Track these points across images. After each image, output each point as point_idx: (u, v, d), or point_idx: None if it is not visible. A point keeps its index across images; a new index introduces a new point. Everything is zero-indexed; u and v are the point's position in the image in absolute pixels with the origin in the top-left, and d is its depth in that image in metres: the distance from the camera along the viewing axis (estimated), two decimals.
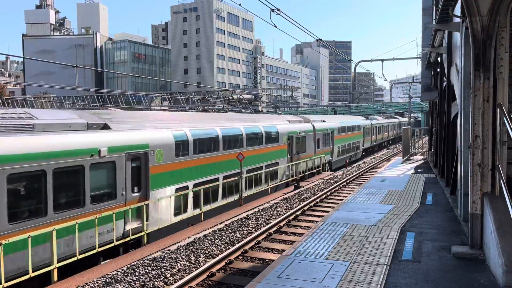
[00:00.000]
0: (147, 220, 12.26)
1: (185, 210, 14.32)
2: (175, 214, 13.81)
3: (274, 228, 12.96)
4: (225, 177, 16.83)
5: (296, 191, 19.79)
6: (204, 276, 9.19)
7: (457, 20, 10.66)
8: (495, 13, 6.99)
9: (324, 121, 30.76)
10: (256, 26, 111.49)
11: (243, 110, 33.50)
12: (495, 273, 6.40)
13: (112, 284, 8.74)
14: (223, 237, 12.19)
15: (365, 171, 26.75)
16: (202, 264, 10.01)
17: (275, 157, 21.78)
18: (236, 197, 17.36)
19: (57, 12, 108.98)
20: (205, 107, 52.07)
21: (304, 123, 26.99)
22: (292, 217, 14.45)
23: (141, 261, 10.05)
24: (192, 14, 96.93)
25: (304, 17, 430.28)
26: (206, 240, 11.79)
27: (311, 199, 17.07)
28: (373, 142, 47.60)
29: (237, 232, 12.70)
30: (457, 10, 10.40)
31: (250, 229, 13.16)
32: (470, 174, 7.34)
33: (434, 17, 16.18)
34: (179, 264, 9.91)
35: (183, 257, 10.41)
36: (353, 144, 38.03)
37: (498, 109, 7.03)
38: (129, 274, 9.24)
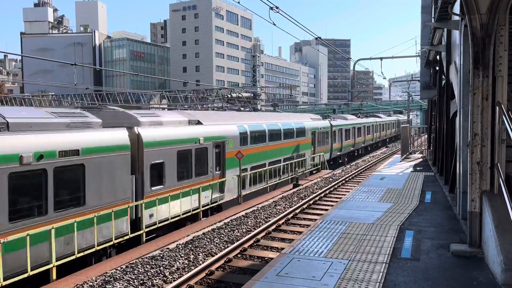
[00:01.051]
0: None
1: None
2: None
3: (273, 227, 12.96)
4: None
5: (295, 190, 19.79)
6: (203, 274, 9.19)
7: (456, 18, 10.65)
8: (494, 11, 6.98)
9: (199, 122, 16.13)
10: (255, 24, 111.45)
11: (242, 109, 33.43)
12: (493, 271, 6.41)
13: (110, 283, 8.73)
14: (222, 235, 12.19)
15: (364, 169, 26.77)
16: (201, 262, 10.01)
17: None
18: None
19: (55, 10, 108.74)
20: (204, 106, 52.06)
21: (97, 132, 11.22)
22: (291, 215, 14.45)
23: (140, 260, 10.04)
24: (191, 12, 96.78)
25: (303, 15, 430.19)
26: (205, 239, 11.78)
27: (310, 197, 17.07)
28: (338, 152, 33.30)
29: (236, 231, 12.70)
30: (456, 8, 10.40)
31: (249, 227, 13.16)
32: (469, 172, 7.34)
33: (433, 15, 16.16)
34: (178, 263, 9.90)
35: (182, 255, 10.40)
36: (290, 160, 23.35)
37: (497, 107, 7.02)
38: (128, 273, 9.24)
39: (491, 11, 6.97)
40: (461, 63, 9.54)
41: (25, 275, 8.62)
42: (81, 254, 10.08)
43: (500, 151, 7.16)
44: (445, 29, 14.14)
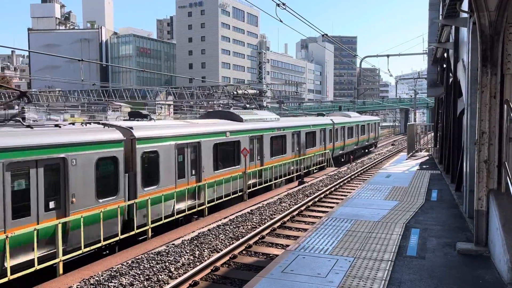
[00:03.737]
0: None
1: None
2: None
3: (278, 223, 12.97)
4: None
5: (300, 187, 19.79)
6: (208, 270, 9.22)
7: (465, 15, 10.57)
8: (503, 8, 6.92)
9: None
10: (261, 20, 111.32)
11: (247, 106, 33.40)
12: (500, 270, 6.38)
13: (116, 277, 8.79)
14: (227, 231, 12.22)
15: (369, 167, 26.70)
16: (206, 258, 10.04)
17: None
18: None
19: (62, 6, 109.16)
20: (210, 102, 52.10)
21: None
22: (296, 212, 14.46)
23: (146, 255, 10.10)
24: (197, 8, 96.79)
25: (309, 11, 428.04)
26: (210, 235, 11.82)
27: (315, 194, 17.07)
28: None
29: (241, 227, 12.72)
30: (465, 5, 10.31)
31: (254, 224, 13.18)
32: (476, 170, 7.30)
33: (441, 12, 16.07)
34: (183, 258, 9.94)
35: (187, 251, 10.44)
36: None
37: (505, 105, 6.98)
38: (133, 268, 9.29)
39: (500, 9, 6.91)
40: (469, 60, 9.47)
41: (32, 269, 8.70)
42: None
43: (507, 150, 7.13)
44: (453, 27, 14.03)
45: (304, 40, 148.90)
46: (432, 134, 31.23)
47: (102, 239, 10.35)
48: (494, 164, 7.17)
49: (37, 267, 8.79)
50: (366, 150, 41.06)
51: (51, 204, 9.54)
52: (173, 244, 10.99)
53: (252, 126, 18.30)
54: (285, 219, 13.49)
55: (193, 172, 14.53)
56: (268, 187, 19.55)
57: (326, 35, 17.22)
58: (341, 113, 39.12)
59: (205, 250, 10.58)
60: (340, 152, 31.58)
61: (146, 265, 9.45)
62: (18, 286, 8.74)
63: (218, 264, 9.51)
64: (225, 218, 13.88)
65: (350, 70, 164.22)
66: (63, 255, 9.35)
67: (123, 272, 9.07)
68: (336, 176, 23.04)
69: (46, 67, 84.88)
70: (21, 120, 10.45)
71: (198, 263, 9.71)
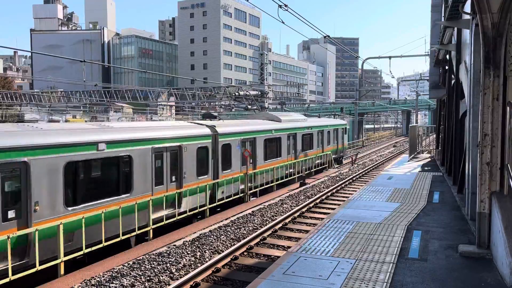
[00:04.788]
0: None
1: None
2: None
3: (280, 225, 12.96)
4: None
5: (301, 188, 19.77)
6: (210, 271, 9.21)
7: (467, 17, 10.55)
8: (506, 10, 6.90)
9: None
10: (263, 22, 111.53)
11: (249, 107, 33.41)
12: (502, 272, 6.36)
13: (118, 278, 8.79)
14: (228, 233, 12.21)
15: (371, 168, 26.66)
16: (207, 259, 10.03)
17: None
18: None
19: (65, 7, 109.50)
20: (211, 103, 52.13)
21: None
22: (298, 214, 14.44)
23: (147, 256, 10.09)
24: (199, 9, 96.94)
25: (311, 12, 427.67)
26: (212, 236, 11.81)
27: (317, 196, 17.04)
28: None
29: (243, 228, 12.71)
30: (467, 7, 10.30)
31: (255, 225, 13.16)
32: (479, 172, 7.28)
33: (443, 14, 16.04)
34: (184, 260, 9.93)
35: (189, 252, 10.44)
36: None
37: (508, 107, 6.96)
38: (135, 269, 9.28)
39: (503, 10, 6.90)
40: (472, 62, 9.46)
41: (33, 270, 8.70)
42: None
43: (510, 152, 7.10)
44: (455, 28, 14.02)
45: (306, 42, 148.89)
46: (434, 136, 31.20)
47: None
48: (496, 166, 7.15)
49: (38, 267, 8.78)
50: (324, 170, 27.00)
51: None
52: (174, 245, 10.98)
53: None
54: (287, 221, 13.47)
55: None
56: None
57: (328, 36, 17.22)
58: (266, 114, 23.97)
59: (206, 251, 10.57)
60: (242, 187, 17.11)
61: (147, 266, 9.44)
62: None
63: (219, 265, 9.50)
64: (226, 219, 13.87)
65: (352, 72, 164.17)
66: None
67: (124, 273, 9.07)
68: (337, 178, 23.01)
69: (49, 68, 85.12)
70: None
71: (199, 264, 9.70)
